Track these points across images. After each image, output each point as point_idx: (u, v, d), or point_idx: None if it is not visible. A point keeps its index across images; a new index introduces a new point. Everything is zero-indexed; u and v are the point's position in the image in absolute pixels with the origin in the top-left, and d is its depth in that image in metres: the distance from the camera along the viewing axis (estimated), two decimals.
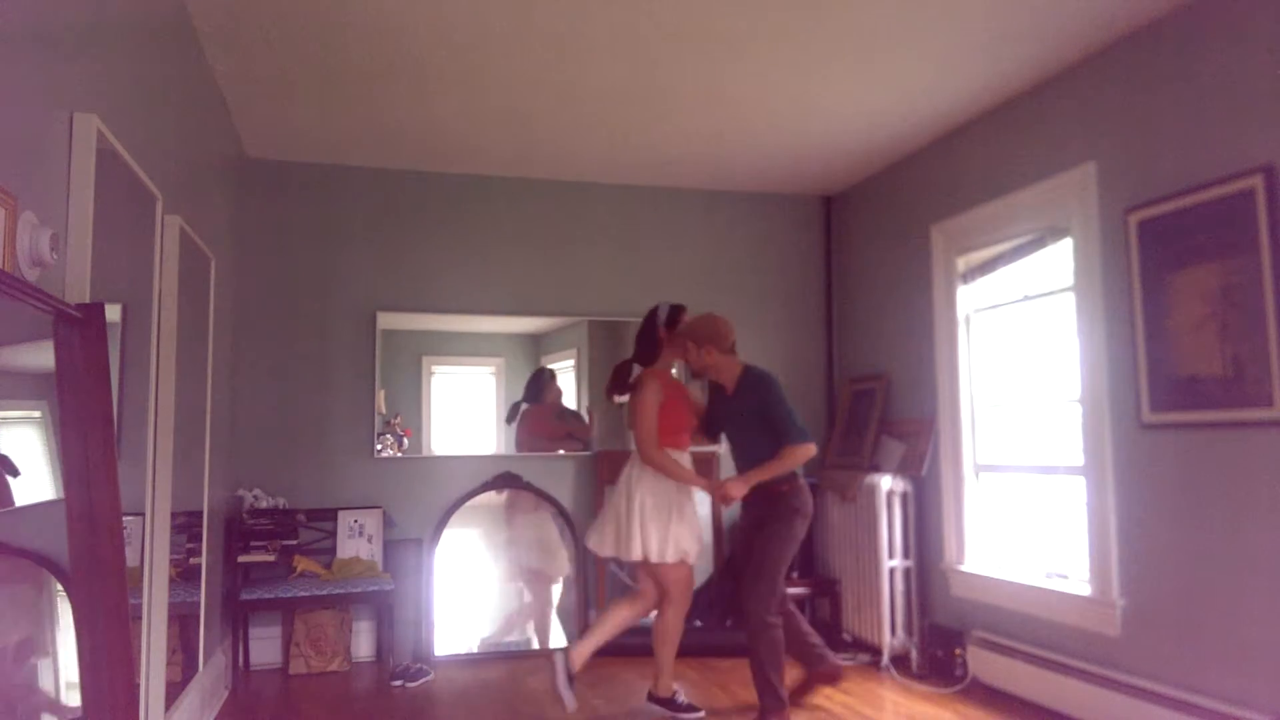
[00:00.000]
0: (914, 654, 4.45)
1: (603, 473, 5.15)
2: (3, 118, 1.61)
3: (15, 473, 1.57)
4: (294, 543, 4.49)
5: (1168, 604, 3.25)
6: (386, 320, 4.97)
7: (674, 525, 3.64)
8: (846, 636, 4.82)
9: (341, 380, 4.89)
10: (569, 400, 5.34)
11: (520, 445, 5.16)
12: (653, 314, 3.91)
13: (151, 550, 2.62)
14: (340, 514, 4.70)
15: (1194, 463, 3.15)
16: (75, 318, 1.64)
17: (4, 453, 1.55)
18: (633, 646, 4.78)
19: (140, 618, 2.53)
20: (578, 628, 4.96)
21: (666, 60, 3.68)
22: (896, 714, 3.79)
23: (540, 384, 5.26)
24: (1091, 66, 3.64)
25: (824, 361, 5.61)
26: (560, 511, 5.11)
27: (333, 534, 4.68)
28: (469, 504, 4.98)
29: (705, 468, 4.95)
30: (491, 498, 5.05)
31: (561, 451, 5.22)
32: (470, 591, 4.96)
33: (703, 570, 5.22)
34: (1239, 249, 2.96)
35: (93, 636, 1.57)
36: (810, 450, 3.53)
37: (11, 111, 1.65)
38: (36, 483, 1.67)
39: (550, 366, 5.31)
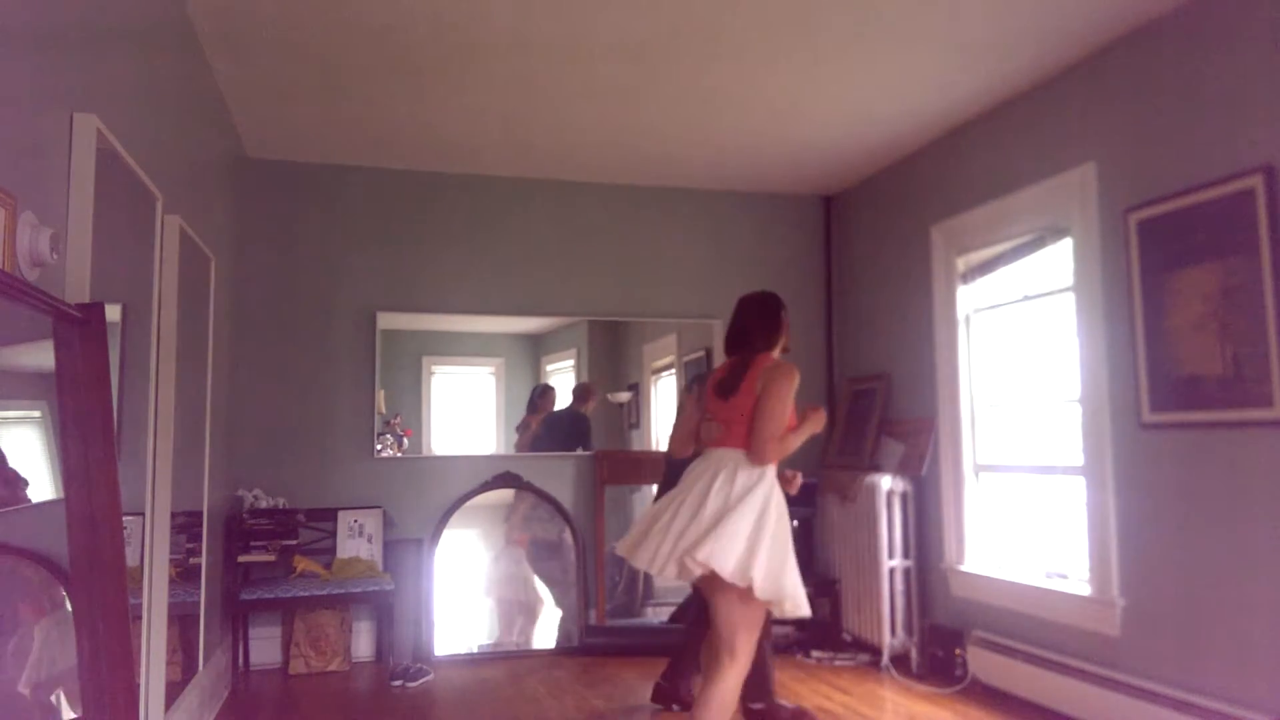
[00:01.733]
0: (914, 654, 4.45)
1: (602, 473, 5.15)
2: (3, 118, 1.61)
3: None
4: (294, 543, 4.48)
5: (1168, 604, 3.25)
6: (386, 320, 4.97)
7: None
8: (846, 636, 4.82)
9: (341, 380, 4.89)
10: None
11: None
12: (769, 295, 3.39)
13: (151, 550, 2.62)
14: (340, 514, 4.70)
15: (1194, 463, 3.15)
16: (75, 318, 1.64)
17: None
18: (634, 647, 4.79)
19: (140, 618, 2.53)
20: (580, 628, 4.96)
21: (666, 60, 3.68)
22: (896, 714, 3.78)
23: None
24: (1091, 67, 3.64)
25: (824, 361, 5.61)
26: (560, 511, 5.11)
27: (333, 534, 4.67)
28: (469, 504, 4.98)
29: None
30: (491, 498, 5.05)
31: None
32: (470, 592, 4.97)
33: None
34: (1239, 249, 2.96)
35: (93, 636, 1.57)
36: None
37: (11, 111, 1.65)
38: (36, 483, 1.67)
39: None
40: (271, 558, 4.37)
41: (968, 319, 4.48)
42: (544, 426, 5.25)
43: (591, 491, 5.17)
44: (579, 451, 5.22)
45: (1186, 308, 3.15)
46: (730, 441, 3.01)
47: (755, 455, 2.94)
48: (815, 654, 4.67)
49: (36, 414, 1.69)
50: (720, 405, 3.07)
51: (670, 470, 3.64)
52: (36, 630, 1.65)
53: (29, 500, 1.62)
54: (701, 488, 2.92)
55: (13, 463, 1.59)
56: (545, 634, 5.00)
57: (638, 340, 5.47)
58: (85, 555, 1.58)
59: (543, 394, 5.30)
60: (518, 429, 5.22)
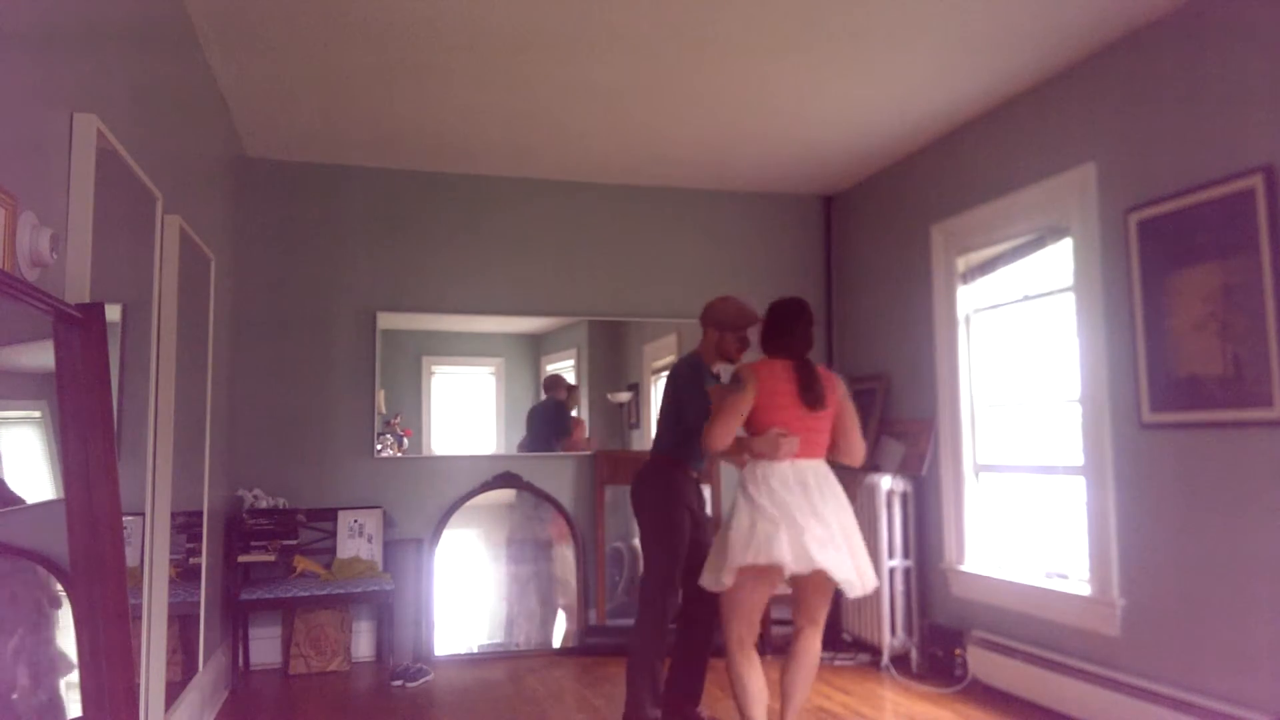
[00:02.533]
0: (914, 654, 4.45)
1: (602, 473, 5.15)
2: (3, 118, 1.61)
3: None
4: (294, 543, 4.48)
5: (1168, 604, 3.25)
6: (386, 320, 4.97)
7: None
8: (846, 636, 4.82)
9: (341, 380, 4.89)
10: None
11: None
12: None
13: (151, 550, 2.62)
14: (340, 514, 4.70)
15: (1194, 463, 3.15)
16: (75, 318, 1.64)
17: None
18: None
19: (140, 618, 2.53)
20: (580, 628, 4.96)
21: (667, 60, 3.68)
22: (896, 714, 3.78)
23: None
24: (1092, 66, 3.64)
25: (824, 361, 5.61)
26: (560, 512, 5.11)
27: (333, 534, 4.67)
28: (469, 504, 4.98)
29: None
30: (491, 498, 5.05)
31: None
32: (470, 592, 4.97)
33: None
34: (1239, 249, 2.96)
35: (93, 636, 1.57)
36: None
37: (11, 111, 1.65)
38: (36, 483, 1.67)
39: None
40: (271, 558, 4.37)
41: (968, 319, 4.48)
42: (538, 419, 5.26)
43: (591, 491, 5.17)
44: (563, 453, 5.22)
45: (1186, 308, 3.15)
46: (816, 452, 3.14)
47: (858, 460, 3.27)
48: None
49: (36, 414, 1.69)
50: (808, 416, 3.11)
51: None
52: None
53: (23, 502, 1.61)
54: (825, 503, 3.02)
55: (8, 473, 1.59)
56: (549, 635, 5.01)
57: (638, 340, 5.47)
58: (85, 555, 1.58)
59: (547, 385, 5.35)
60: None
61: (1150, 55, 3.37)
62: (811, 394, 3.11)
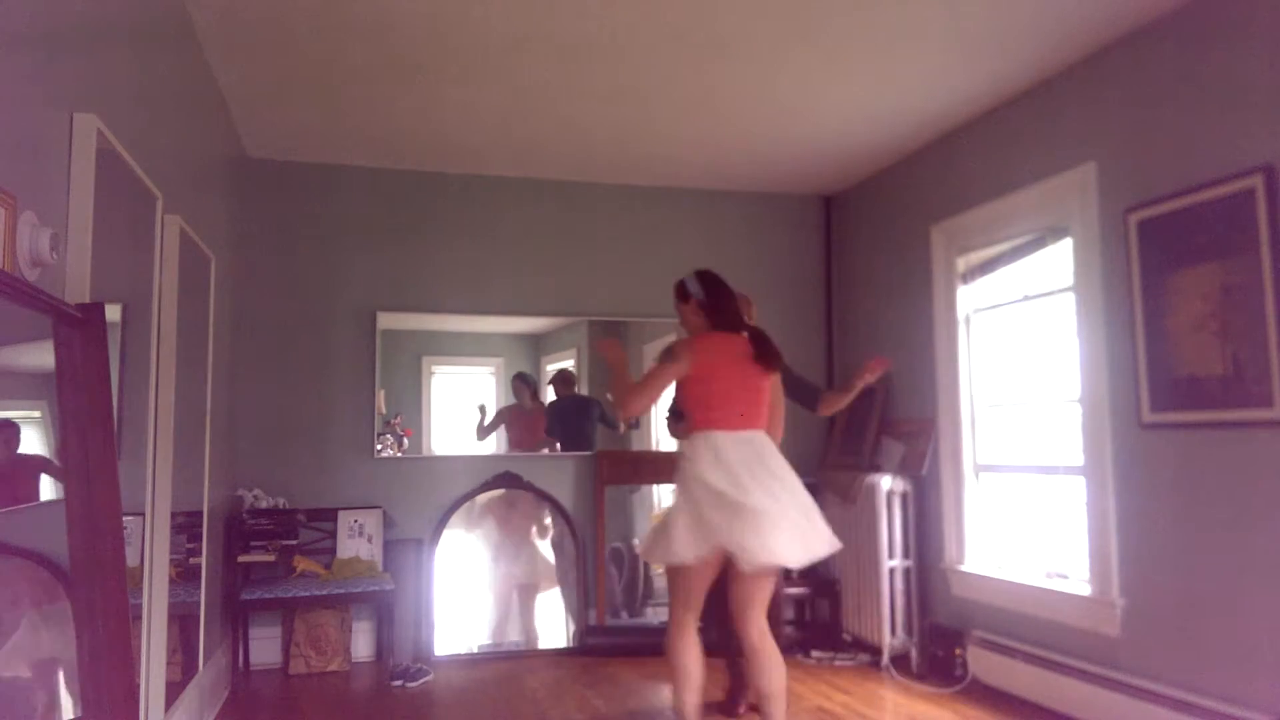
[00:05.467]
0: (914, 654, 4.45)
1: (603, 472, 5.15)
2: (3, 118, 1.61)
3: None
4: (294, 543, 4.48)
5: (1168, 604, 3.25)
6: (386, 320, 4.97)
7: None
8: (846, 636, 4.82)
9: (341, 380, 4.89)
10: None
11: None
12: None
13: (151, 550, 2.62)
14: (340, 514, 4.70)
15: (1194, 463, 3.15)
16: (75, 318, 1.64)
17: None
18: (634, 647, 4.79)
19: (140, 618, 2.53)
20: (580, 628, 4.95)
21: (667, 61, 3.68)
22: (896, 714, 3.78)
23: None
24: (1092, 66, 3.64)
25: (824, 361, 5.61)
26: (560, 512, 5.11)
27: (333, 534, 4.67)
28: (469, 504, 4.98)
29: None
30: (491, 498, 5.05)
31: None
32: (470, 592, 4.96)
33: None
34: (1239, 249, 2.96)
35: (93, 636, 1.57)
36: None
37: (11, 111, 1.65)
38: (37, 483, 1.67)
39: None
40: (271, 558, 4.37)
41: (968, 319, 4.48)
42: (554, 414, 5.25)
43: (591, 491, 5.17)
44: (584, 452, 5.22)
45: (1186, 308, 3.15)
46: (758, 424, 3.13)
47: (778, 439, 3.35)
48: (815, 654, 4.67)
49: (36, 414, 1.69)
50: (759, 385, 3.15)
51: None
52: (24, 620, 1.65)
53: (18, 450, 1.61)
54: (772, 475, 2.99)
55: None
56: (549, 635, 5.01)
57: (637, 340, 5.47)
58: (85, 555, 1.58)
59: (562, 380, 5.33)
60: (508, 417, 5.21)
61: (1150, 55, 3.37)
62: (767, 357, 3.15)
